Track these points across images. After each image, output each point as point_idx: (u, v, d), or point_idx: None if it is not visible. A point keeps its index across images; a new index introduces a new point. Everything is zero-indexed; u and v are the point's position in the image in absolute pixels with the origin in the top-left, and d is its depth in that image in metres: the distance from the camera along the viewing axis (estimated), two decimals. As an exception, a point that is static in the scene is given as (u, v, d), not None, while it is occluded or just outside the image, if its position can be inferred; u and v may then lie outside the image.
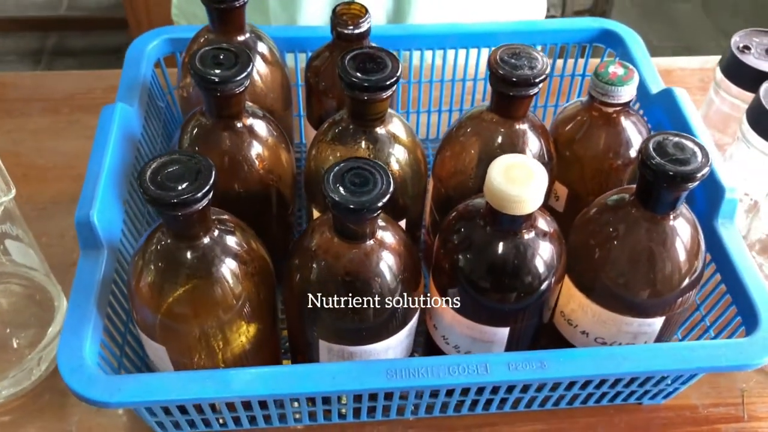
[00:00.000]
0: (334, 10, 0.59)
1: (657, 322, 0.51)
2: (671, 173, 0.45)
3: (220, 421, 0.54)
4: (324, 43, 0.63)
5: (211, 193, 0.43)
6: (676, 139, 0.47)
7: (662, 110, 0.62)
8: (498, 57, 0.51)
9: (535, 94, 0.52)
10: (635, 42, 0.69)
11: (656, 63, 0.68)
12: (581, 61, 0.74)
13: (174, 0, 0.94)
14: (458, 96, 0.76)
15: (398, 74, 0.49)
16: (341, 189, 0.43)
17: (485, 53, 0.72)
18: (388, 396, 0.52)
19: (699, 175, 0.45)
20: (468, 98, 0.77)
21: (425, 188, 0.59)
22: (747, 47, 0.66)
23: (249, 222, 0.51)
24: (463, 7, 0.84)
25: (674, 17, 2.52)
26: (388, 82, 0.49)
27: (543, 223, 0.48)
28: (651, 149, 0.46)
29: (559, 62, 0.75)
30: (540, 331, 0.54)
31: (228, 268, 0.46)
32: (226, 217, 0.48)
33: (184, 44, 0.66)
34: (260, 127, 0.55)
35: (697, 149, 0.46)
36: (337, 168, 0.44)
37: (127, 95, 0.61)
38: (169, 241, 0.45)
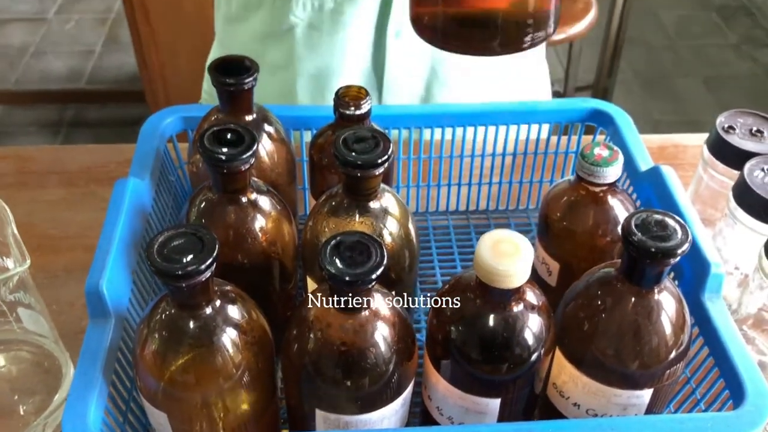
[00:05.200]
0: (336, 93, 0.63)
1: (646, 395, 0.52)
2: (653, 249, 0.47)
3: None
4: (327, 122, 0.67)
5: (214, 266, 0.45)
6: (658, 216, 0.49)
7: (651, 187, 0.65)
8: None
9: None
10: (625, 121, 0.72)
11: (652, 139, 0.70)
12: (574, 138, 0.77)
13: (204, 85, 1.00)
14: (466, 170, 0.79)
15: (389, 153, 0.52)
16: (337, 261, 0.45)
17: (481, 131, 0.75)
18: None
19: (679, 251, 0.47)
20: (466, 173, 0.80)
21: (417, 259, 0.61)
22: (732, 127, 0.69)
23: (251, 293, 0.53)
24: (483, 91, 0.92)
25: (676, 92, 2.58)
26: (379, 160, 0.52)
27: (531, 296, 0.50)
28: (633, 226, 0.48)
29: (553, 139, 0.78)
30: (533, 403, 0.55)
31: (228, 337, 0.48)
32: (228, 287, 0.50)
33: (196, 122, 0.70)
34: (264, 201, 0.58)
35: (677, 226, 0.48)
36: (333, 241, 0.47)
37: (140, 170, 0.64)
38: (172, 310, 0.47)
